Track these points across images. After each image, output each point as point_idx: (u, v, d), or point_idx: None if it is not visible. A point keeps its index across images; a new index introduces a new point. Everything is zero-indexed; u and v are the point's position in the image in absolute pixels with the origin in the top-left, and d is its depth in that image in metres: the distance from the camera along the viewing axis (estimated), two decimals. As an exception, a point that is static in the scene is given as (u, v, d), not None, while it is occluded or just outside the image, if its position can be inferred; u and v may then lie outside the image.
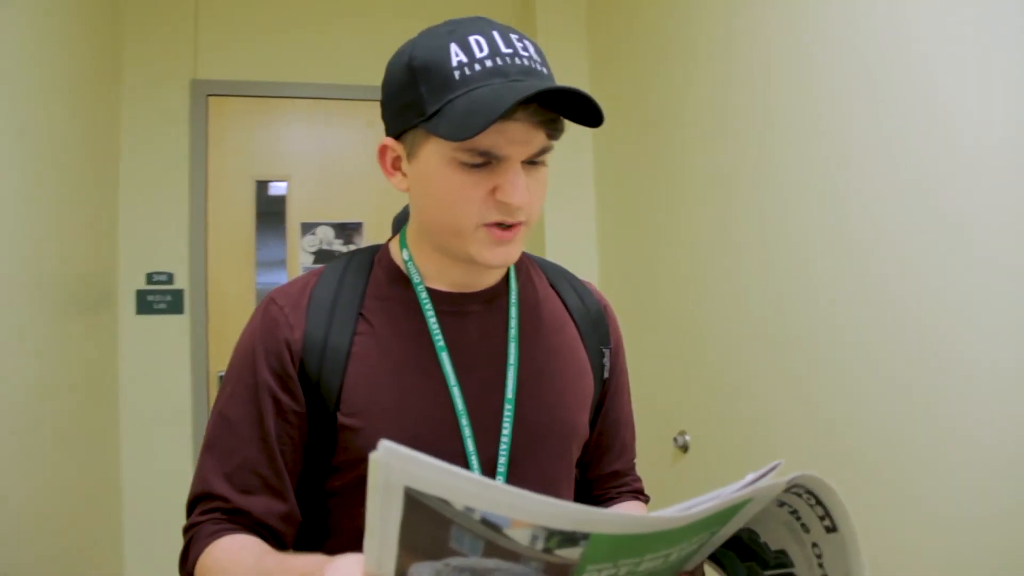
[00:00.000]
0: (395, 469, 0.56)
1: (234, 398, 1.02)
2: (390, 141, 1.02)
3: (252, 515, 0.99)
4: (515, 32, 0.97)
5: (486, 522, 0.58)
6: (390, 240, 1.14)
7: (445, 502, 0.57)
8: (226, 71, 3.34)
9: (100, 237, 2.84)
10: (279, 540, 1.00)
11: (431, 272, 1.07)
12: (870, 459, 1.70)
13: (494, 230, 0.96)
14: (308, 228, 3.41)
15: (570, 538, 0.60)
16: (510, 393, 1.05)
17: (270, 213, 3.42)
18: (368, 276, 1.08)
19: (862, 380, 1.72)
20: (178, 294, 3.21)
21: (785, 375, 2.00)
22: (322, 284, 1.06)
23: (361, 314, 1.04)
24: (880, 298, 1.67)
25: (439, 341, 1.04)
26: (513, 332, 1.08)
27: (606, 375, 1.20)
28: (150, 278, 3.19)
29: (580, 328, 1.17)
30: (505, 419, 1.04)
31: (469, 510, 0.57)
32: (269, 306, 1.04)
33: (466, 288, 1.08)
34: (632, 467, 1.30)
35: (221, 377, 1.09)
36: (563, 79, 3.12)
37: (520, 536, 0.59)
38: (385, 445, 0.55)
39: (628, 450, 1.29)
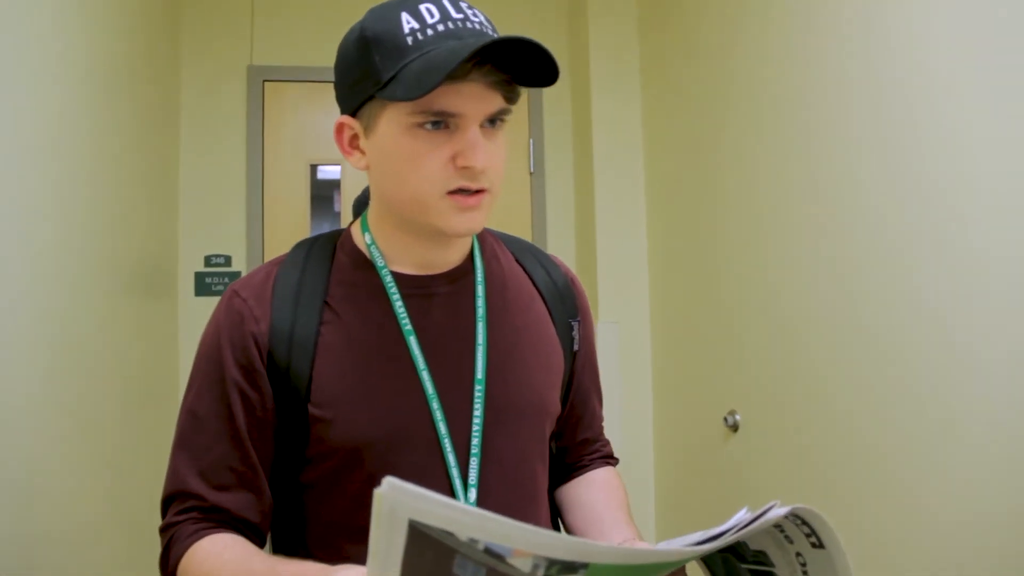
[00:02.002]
0: (400, 503, 0.57)
1: (202, 394, 1.01)
2: (346, 119, 1.02)
3: (229, 512, 0.98)
4: (464, 0, 0.97)
5: (489, 551, 0.59)
6: (351, 225, 1.13)
7: (449, 533, 0.58)
8: (282, 57, 3.41)
9: (161, 221, 2.92)
10: (257, 533, 1.01)
11: (394, 254, 1.05)
12: (921, 441, 1.68)
13: (458, 197, 0.95)
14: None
15: (570, 567, 0.61)
16: (480, 374, 1.04)
17: (324, 196, 3.48)
18: (331, 263, 1.06)
19: (910, 364, 1.71)
20: (235, 276, 3.28)
21: (836, 355, 1.99)
22: (285, 274, 1.04)
23: (326, 302, 1.02)
24: (920, 289, 1.66)
25: (406, 325, 1.02)
26: (480, 312, 1.07)
27: (576, 348, 1.19)
28: (208, 260, 3.27)
29: (548, 303, 1.16)
30: (476, 400, 1.03)
31: (473, 541, 0.58)
32: (232, 299, 1.03)
33: (431, 269, 1.06)
34: (601, 432, 1.30)
35: None
36: (613, 76, 3.13)
37: (522, 564, 0.60)
38: (389, 482, 0.56)
39: (597, 418, 1.28)
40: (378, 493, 0.57)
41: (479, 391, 1.03)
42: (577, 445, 1.26)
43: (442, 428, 1.00)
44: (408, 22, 0.92)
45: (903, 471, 1.74)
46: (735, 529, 0.72)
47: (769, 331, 2.32)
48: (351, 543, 0.97)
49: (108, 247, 2.17)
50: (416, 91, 0.87)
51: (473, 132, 0.93)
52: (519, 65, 0.93)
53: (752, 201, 2.41)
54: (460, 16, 0.94)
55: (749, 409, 2.45)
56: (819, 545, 0.75)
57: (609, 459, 1.28)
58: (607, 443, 1.30)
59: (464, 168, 0.93)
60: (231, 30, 3.38)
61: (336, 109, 1.05)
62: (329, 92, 1.05)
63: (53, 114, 1.76)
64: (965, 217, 1.56)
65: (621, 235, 3.27)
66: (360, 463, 0.98)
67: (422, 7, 0.93)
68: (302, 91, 3.42)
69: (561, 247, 3.52)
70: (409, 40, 0.91)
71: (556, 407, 1.15)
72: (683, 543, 0.69)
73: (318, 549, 1.01)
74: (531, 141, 3.58)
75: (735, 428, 2.50)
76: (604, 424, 1.32)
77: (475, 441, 1.02)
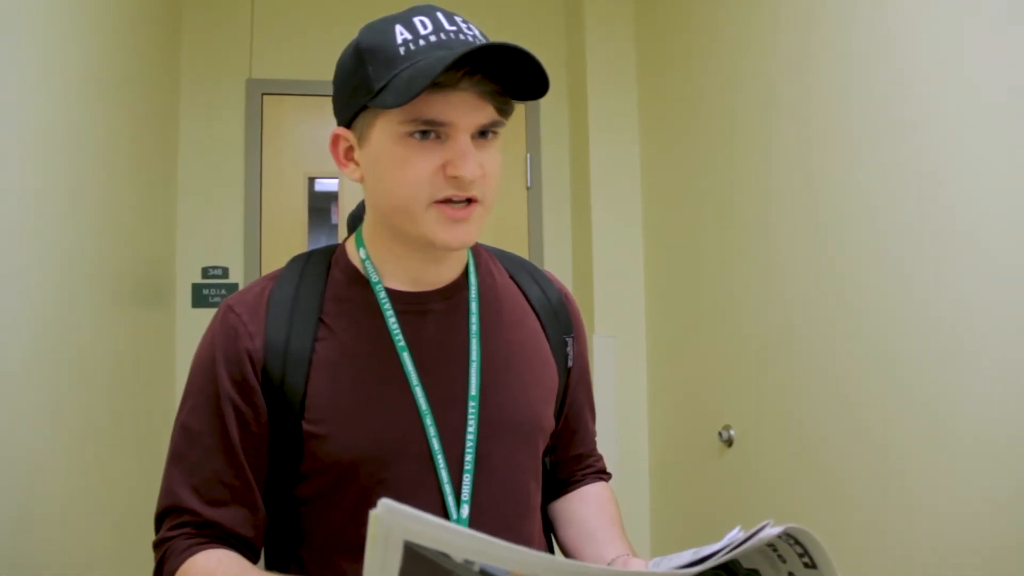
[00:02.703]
0: (395, 525, 0.57)
1: (196, 409, 1.01)
2: (341, 130, 1.03)
3: (223, 527, 0.98)
4: (459, 15, 0.98)
5: (484, 573, 0.59)
6: (346, 240, 1.13)
7: (445, 555, 0.58)
8: (280, 71, 3.42)
9: (159, 232, 2.93)
10: (251, 549, 1.01)
11: (389, 269, 1.06)
12: (919, 454, 1.68)
13: (446, 208, 0.95)
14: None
15: None
16: (473, 390, 1.04)
17: (322, 209, 3.49)
18: (326, 278, 1.06)
19: (904, 377, 1.70)
20: (233, 288, 3.28)
21: (831, 370, 1.99)
22: (279, 289, 1.04)
23: (321, 319, 1.02)
24: (914, 298, 1.66)
25: (400, 342, 1.03)
26: (474, 328, 1.07)
27: (570, 364, 1.19)
28: (205, 272, 3.27)
29: (542, 319, 1.17)
30: (469, 416, 1.03)
31: (468, 562, 0.58)
32: (227, 314, 1.03)
33: (425, 285, 1.07)
34: (594, 447, 1.30)
35: None
36: (610, 90, 3.14)
37: None
38: (385, 503, 0.56)
39: (590, 433, 1.29)
40: (374, 515, 0.57)
41: (472, 407, 1.03)
42: (570, 460, 1.26)
43: (435, 444, 1.00)
44: (401, 34, 0.94)
45: (900, 486, 1.74)
46: (728, 548, 0.73)
47: (765, 346, 2.32)
48: (346, 559, 0.98)
49: (106, 258, 2.17)
50: (404, 96, 0.88)
51: (463, 141, 0.94)
52: (510, 76, 0.94)
53: (748, 215, 2.42)
54: (453, 28, 0.95)
55: (744, 424, 2.45)
56: (811, 565, 0.76)
57: (602, 474, 1.29)
58: (600, 458, 1.31)
59: (453, 177, 0.94)
60: (230, 43, 3.40)
61: (334, 122, 1.06)
62: (327, 105, 1.07)
63: (51, 125, 1.77)
64: (966, 225, 1.57)
65: (618, 249, 3.28)
66: (354, 479, 0.98)
67: (416, 19, 0.95)
68: (301, 104, 3.44)
69: (558, 261, 3.53)
70: (401, 51, 0.93)
71: (549, 423, 1.15)
72: (677, 562, 0.70)
73: (313, 564, 1.02)
74: (528, 156, 3.59)
75: (730, 443, 2.50)
76: (598, 438, 1.32)
77: (468, 457, 1.02)
